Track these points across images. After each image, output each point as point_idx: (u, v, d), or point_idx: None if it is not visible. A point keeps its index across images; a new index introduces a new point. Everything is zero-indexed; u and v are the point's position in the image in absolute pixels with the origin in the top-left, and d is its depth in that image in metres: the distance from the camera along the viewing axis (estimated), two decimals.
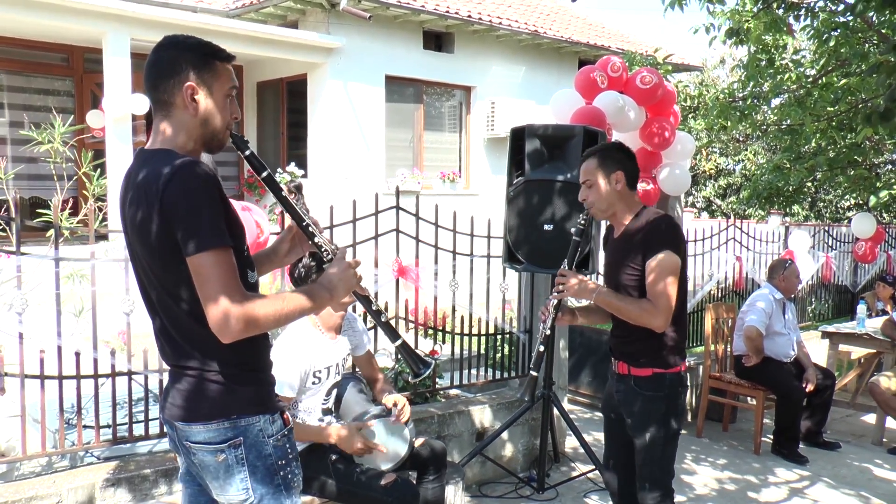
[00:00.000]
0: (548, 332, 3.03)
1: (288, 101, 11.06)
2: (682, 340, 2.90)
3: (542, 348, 3.04)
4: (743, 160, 20.09)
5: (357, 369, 3.56)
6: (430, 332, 4.53)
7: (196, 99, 1.85)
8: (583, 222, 3.00)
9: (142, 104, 8.43)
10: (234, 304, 1.72)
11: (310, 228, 2.00)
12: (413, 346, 4.44)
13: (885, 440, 5.57)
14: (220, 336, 1.76)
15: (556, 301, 2.98)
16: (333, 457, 3.04)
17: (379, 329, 2.11)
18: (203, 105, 1.86)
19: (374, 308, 2.03)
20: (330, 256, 1.99)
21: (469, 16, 10.79)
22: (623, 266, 2.85)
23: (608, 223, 3.07)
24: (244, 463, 1.87)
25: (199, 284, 1.74)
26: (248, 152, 1.95)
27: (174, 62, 1.85)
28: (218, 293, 1.72)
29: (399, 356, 2.14)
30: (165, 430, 2.02)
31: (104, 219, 5.03)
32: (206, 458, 1.88)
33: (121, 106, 8.28)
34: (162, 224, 1.74)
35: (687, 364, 3.00)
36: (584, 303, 3.20)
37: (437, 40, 11.38)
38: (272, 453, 1.90)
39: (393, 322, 4.23)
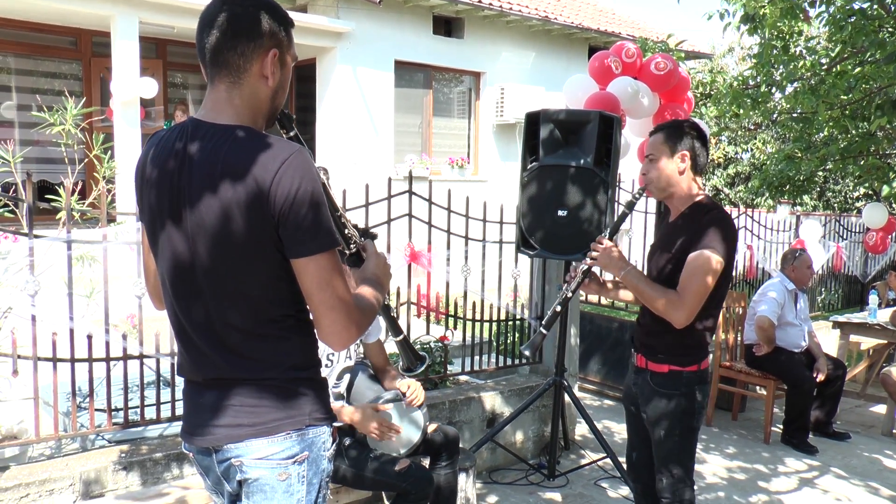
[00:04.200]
0: (569, 294, 2.95)
1: (297, 85, 11.01)
2: (704, 340, 2.78)
3: (559, 308, 2.98)
4: (751, 149, 19.96)
5: (365, 357, 3.55)
6: (442, 317, 4.51)
7: (277, 68, 1.63)
8: (637, 196, 2.88)
9: (150, 88, 8.41)
10: (355, 310, 1.60)
11: (342, 220, 1.82)
12: (425, 330, 4.48)
13: (895, 431, 5.55)
14: (336, 343, 1.61)
15: (585, 267, 2.90)
16: (347, 441, 3.03)
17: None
18: (279, 76, 1.65)
19: (385, 302, 1.95)
20: (355, 249, 1.86)
21: (479, 1, 10.70)
22: (667, 252, 2.76)
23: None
24: (304, 481, 1.65)
25: (316, 288, 1.56)
26: (293, 132, 1.74)
27: (256, 21, 1.59)
28: (340, 298, 1.57)
29: (397, 349, 2.09)
30: (194, 457, 1.75)
31: (113, 201, 5.03)
32: (265, 476, 1.62)
33: (129, 89, 8.26)
34: (261, 214, 1.52)
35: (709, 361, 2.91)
36: None
37: (446, 25, 11.31)
38: (325, 468, 1.70)
39: (405, 307, 4.25)
